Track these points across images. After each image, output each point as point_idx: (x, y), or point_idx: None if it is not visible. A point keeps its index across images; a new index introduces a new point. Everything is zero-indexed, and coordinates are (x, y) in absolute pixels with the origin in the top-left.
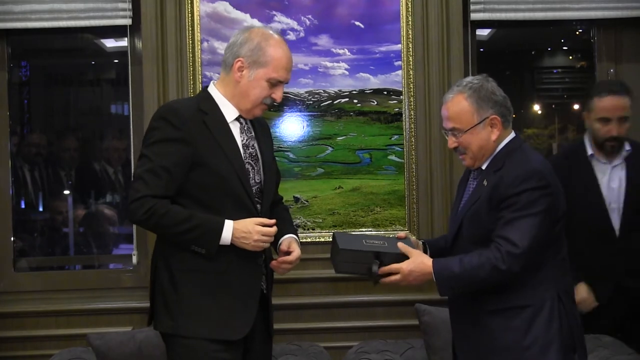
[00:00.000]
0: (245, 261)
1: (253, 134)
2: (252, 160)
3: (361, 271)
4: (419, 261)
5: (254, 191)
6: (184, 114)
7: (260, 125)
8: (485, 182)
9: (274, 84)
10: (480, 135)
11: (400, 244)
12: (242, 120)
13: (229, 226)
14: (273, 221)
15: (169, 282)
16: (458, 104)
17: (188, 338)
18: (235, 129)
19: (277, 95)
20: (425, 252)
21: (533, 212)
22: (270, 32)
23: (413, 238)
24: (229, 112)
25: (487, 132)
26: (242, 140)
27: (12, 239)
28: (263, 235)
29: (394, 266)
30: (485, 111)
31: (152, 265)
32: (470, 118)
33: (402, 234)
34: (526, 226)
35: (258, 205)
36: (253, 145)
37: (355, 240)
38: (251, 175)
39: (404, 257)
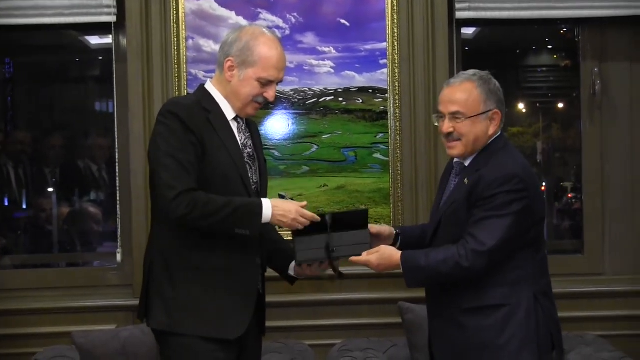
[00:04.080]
0: (245, 260)
1: (249, 133)
2: (250, 161)
3: (324, 255)
4: (387, 255)
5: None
6: (191, 111)
7: (252, 126)
8: (466, 181)
9: (264, 83)
10: (480, 126)
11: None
12: (239, 119)
13: (267, 204)
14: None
15: (166, 279)
16: (467, 90)
17: (183, 336)
18: (233, 128)
19: (269, 94)
20: (396, 241)
21: (504, 213)
22: (262, 30)
23: (385, 227)
24: (228, 110)
25: (486, 125)
26: (241, 140)
27: None
28: (301, 216)
29: (362, 259)
30: (491, 104)
31: (146, 262)
32: (477, 106)
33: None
34: (495, 226)
35: None
36: (250, 145)
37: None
38: (250, 175)
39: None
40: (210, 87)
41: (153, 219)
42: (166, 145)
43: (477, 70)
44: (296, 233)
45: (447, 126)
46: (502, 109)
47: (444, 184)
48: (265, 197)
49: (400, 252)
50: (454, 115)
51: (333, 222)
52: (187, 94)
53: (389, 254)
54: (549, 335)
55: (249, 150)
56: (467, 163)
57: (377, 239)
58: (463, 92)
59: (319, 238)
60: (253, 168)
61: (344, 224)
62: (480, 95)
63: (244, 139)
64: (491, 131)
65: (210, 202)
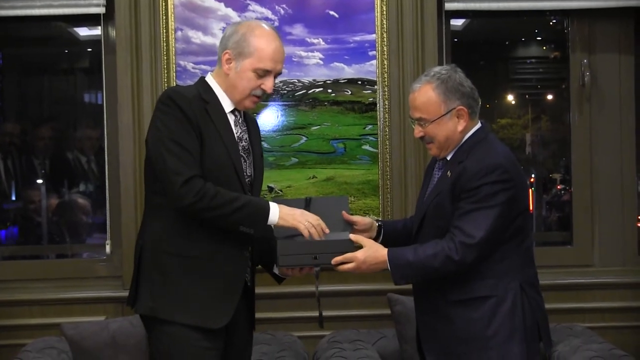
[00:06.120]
0: (233, 252)
1: (246, 127)
2: (245, 154)
3: (306, 261)
4: (373, 249)
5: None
6: (190, 100)
7: (250, 120)
8: (449, 173)
9: (261, 74)
10: (447, 125)
11: (352, 235)
12: (236, 112)
13: (274, 206)
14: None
15: (154, 265)
16: (425, 94)
17: (168, 323)
18: (230, 120)
19: (267, 85)
20: (379, 233)
21: (490, 204)
22: (259, 23)
23: (367, 219)
24: (226, 103)
25: (454, 122)
26: (237, 133)
27: None
28: (308, 221)
29: (348, 255)
30: (453, 102)
31: (137, 248)
32: (437, 109)
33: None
34: (482, 218)
35: None
36: (246, 139)
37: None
38: (244, 168)
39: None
40: (210, 79)
41: (146, 205)
42: (168, 131)
43: (439, 68)
44: (279, 235)
45: (417, 131)
46: (469, 102)
47: (427, 178)
48: (259, 190)
49: (386, 249)
50: (420, 122)
51: (312, 205)
52: (177, 84)
53: (375, 248)
54: (536, 325)
55: (244, 143)
56: (449, 157)
57: (360, 232)
58: (422, 97)
59: (301, 243)
60: (247, 161)
61: (325, 209)
62: (438, 97)
63: (240, 132)
64: (460, 127)
65: (219, 194)
